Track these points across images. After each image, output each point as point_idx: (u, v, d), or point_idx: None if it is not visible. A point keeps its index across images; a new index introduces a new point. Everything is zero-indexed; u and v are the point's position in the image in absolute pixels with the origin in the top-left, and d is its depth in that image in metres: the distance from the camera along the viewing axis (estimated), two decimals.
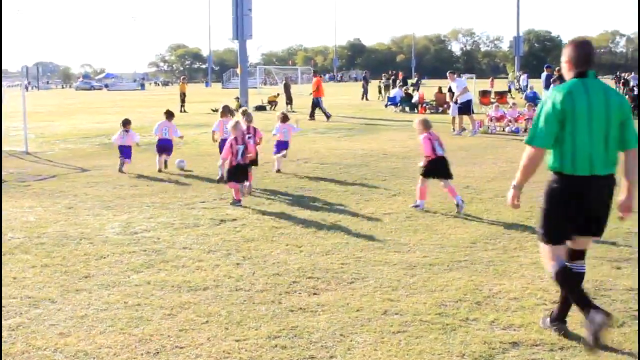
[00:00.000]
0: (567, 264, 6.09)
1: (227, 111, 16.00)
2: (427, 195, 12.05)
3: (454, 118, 26.49)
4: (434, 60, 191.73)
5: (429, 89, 49.50)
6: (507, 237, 9.88)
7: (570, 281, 6.06)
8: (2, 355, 5.89)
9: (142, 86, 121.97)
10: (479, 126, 26.22)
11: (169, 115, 17.90)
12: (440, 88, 39.86)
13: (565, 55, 6.17)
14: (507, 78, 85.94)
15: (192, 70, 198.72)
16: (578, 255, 6.27)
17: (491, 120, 26.84)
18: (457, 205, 11.69)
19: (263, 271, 8.30)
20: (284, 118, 16.84)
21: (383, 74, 65.52)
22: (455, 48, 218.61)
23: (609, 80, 55.05)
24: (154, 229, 10.57)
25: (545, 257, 6.20)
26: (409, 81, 63.96)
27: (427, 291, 7.52)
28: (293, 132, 17.26)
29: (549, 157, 6.06)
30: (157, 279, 7.99)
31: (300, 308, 7.01)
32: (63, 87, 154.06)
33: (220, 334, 6.31)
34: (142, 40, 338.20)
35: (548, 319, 6.44)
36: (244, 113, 15.35)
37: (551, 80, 33.30)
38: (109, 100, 64.51)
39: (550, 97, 5.99)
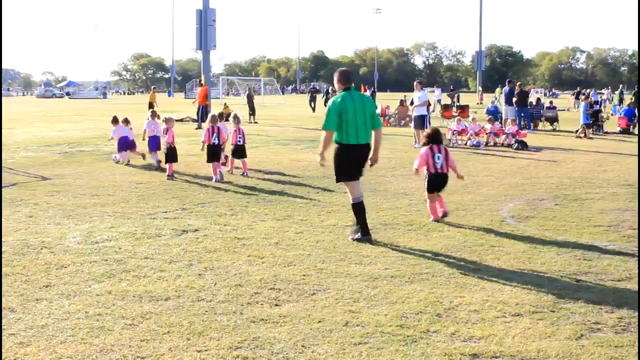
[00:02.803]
0: (361, 198, 10.61)
1: (154, 115, 20.34)
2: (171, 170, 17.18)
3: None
4: (397, 73, 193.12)
5: (393, 102, 49.64)
6: (468, 250, 9.97)
7: (360, 209, 10.53)
8: None
9: (104, 95, 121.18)
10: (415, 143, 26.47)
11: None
12: (401, 101, 40.08)
13: (336, 78, 10.75)
14: (469, 92, 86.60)
15: (155, 80, 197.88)
16: None
17: (453, 134, 26.98)
18: (169, 176, 16.98)
19: (225, 282, 8.30)
20: (153, 114, 20.39)
21: (330, 87, 67.27)
22: (418, 61, 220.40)
23: (568, 96, 55.59)
24: (116, 238, 10.53)
25: (349, 193, 10.66)
26: None
27: (388, 303, 7.57)
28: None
29: (336, 135, 10.41)
30: (118, 289, 7.96)
31: (262, 319, 7.01)
32: (24, 95, 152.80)
33: (182, 345, 6.30)
34: (105, 48, 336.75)
35: (356, 236, 10.54)
36: (234, 117, 18.70)
37: (514, 94, 33.76)
38: (71, 109, 64.08)
39: (335, 101, 10.44)
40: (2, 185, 15.44)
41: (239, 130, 18.08)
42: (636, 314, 7.25)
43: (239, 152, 18.07)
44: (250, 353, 6.13)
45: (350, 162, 10.50)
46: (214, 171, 16.90)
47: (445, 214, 11.91)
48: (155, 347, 6.24)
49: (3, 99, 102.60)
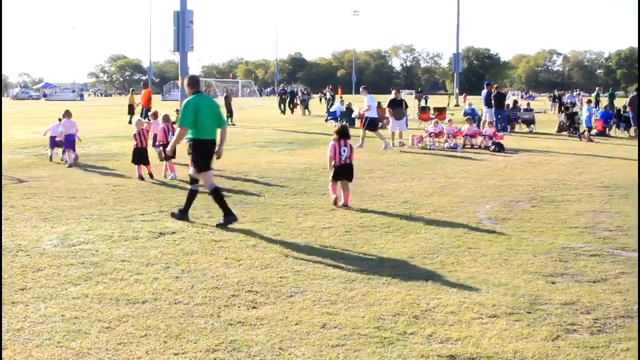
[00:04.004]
0: (215, 185, 11.95)
1: (68, 114, 20.72)
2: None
3: (393, 133, 26.74)
4: (375, 75, 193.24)
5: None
6: (445, 252, 10.00)
7: (220, 195, 11.80)
8: None
9: (82, 97, 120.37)
10: (392, 145, 26.42)
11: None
12: (379, 103, 40.14)
13: (186, 83, 12.38)
14: (447, 94, 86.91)
15: (132, 82, 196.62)
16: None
17: (430, 136, 27.04)
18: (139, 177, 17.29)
19: (202, 284, 8.28)
20: (66, 113, 20.71)
21: (299, 89, 68.56)
22: (396, 64, 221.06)
23: (545, 98, 55.80)
24: (92, 241, 10.48)
25: (205, 180, 11.89)
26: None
27: (365, 305, 7.58)
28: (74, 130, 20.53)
29: (190, 132, 11.72)
30: (95, 292, 7.93)
31: (239, 322, 7.01)
32: None
33: (159, 348, 6.29)
34: (82, 50, 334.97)
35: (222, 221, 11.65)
36: (164, 116, 18.68)
37: (492, 97, 33.89)
38: (48, 111, 63.61)
39: (190, 102, 11.76)
40: None
41: (169, 127, 18.02)
42: (611, 315, 7.31)
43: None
44: (228, 356, 6.13)
45: (208, 154, 11.93)
46: (171, 168, 17.42)
47: (345, 205, 13.56)
48: (132, 350, 6.22)
49: None
